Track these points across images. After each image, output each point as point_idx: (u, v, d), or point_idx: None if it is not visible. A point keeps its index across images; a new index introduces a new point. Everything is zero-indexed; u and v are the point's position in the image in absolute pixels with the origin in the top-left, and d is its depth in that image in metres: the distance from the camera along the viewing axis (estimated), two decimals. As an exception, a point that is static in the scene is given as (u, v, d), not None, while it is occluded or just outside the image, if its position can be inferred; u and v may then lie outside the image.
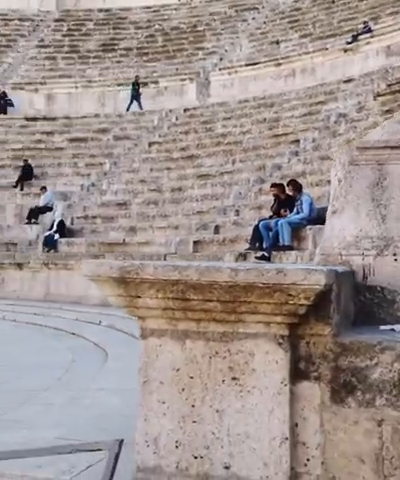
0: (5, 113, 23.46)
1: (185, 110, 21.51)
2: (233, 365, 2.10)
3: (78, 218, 16.65)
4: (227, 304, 2.05)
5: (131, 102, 22.50)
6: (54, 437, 3.52)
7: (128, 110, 22.41)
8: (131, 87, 22.60)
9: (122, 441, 1.90)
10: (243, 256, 10.39)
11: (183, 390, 2.12)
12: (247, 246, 11.03)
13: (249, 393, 2.09)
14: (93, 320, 10.85)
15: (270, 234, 10.41)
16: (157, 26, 28.01)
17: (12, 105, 23.68)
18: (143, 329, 2.15)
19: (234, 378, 2.10)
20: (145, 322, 2.13)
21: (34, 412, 4.41)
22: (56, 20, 29.30)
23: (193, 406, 2.12)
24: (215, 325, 2.11)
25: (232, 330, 2.12)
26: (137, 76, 22.86)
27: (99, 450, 1.83)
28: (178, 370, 2.13)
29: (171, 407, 2.14)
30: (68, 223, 16.26)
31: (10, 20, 28.80)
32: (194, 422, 2.11)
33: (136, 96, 22.46)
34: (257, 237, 10.66)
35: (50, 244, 15.22)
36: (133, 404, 4.56)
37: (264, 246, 10.48)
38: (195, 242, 12.91)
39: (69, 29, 28.48)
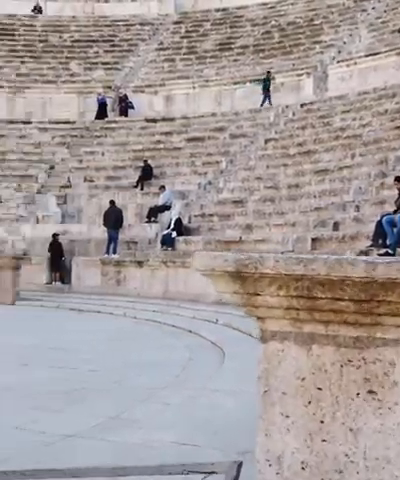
0: (126, 115, 24.19)
1: (302, 105, 21.01)
2: (369, 376, 1.79)
3: (195, 216, 16.77)
4: (362, 304, 1.74)
5: (266, 97, 22.19)
6: (170, 441, 3.39)
7: (262, 105, 22.13)
8: (263, 83, 22.33)
9: (241, 464, 1.66)
10: (365, 254, 9.83)
11: (310, 403, 1.84)
12: (369, 243, 10.47)
13: (390, 410, 1.77)
14: (210, 318, 10.81)
15: (394, 230, 9.79)
16: (273, 22, 27.65)
17: (132, 107, 24.37)
18: (263, 331, 1.89)
19: (371, 391, 1.78)
20: (265, 323, 1.87)
21: (152, 411, 4.33)
22: (175, 23, 29.81)
23: (322, 422, 1.83)
24: (347, 328, 1.81)
25: (368, 335, 1.80)
26: (269, 72, 22.54)
27: (214, 473, 1.60)
28: (303, 379, 1.85)
29: (296, 422, 1.86)
30: (185, 221, 16.42)
31: (131, 25, 29.70)
32: (323, 441, 1.82)
33: (267, 91, 22.14)
34: (380, 233, 10.08)
35: (168, 242, 15.42)
36: (249, 408, 4.35)
37: (387, 243, 9.87)
38: (313, 239, 12.48)
39: (187, 31, 28.86)
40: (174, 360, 7.15)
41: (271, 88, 22.24)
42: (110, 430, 3.76)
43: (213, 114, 22.74)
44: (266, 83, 22.22)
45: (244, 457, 3.15)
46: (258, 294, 1.79)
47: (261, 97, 22.27)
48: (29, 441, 3.53)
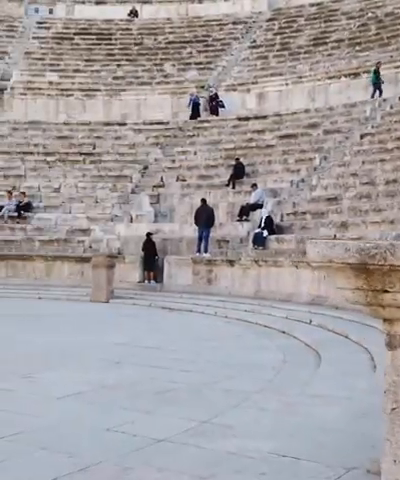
0: (217, 114, 24.09)
1: (400, 98, 20.04)
2: None
3: (288, 214, 16.36)
4: None
5: (375, 90, 21.38)
6: (267, 451, 3.12)
7: (373, 97, 21.31)
8: (373, 75, 21.51)
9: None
10: None
11: None
12: None
13: None
14: (303, 319, 10.47)
15: None
16: (370, 14, 26.65)
17: (223, 106, 24.23)
18: (391, 336, 1.56)
19: None
20: (394, 326, 1.55)
21: (246, 417, 4.08)
22: (268, 20, 29.43)
23: None
24: None
25: None
26: (378, 62, 21.68)
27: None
28: None
29: (432, 448, 1.54)
30: (278, 220, 16.05)
31: (224, 24, 29.63)
32: None
33: (377, 83, 21.28)
34: None
35: (259, 241, 15.11)
36: (353, 417, 4.00)
37: None
38: (415, 238, 11.76)
39: (280, 27, 28.39)
40: (267, 362, 6.89)
41: (382, 80, 21.27)
42: (202, 436, 3.55)
43: (306, 110, 22.18)
44: (375, 75, 21.30)
45: (351, 474, 2.83)
46: (387, 291, 1.46)
47: (370, 90, 21.39)
48: (119, 445, 3.39)
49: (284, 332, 9.52)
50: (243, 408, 4.41)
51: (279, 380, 5.81)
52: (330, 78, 23.59)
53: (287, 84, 24.45)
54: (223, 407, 4.40)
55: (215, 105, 24.13)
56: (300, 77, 24.38)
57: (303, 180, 18.11)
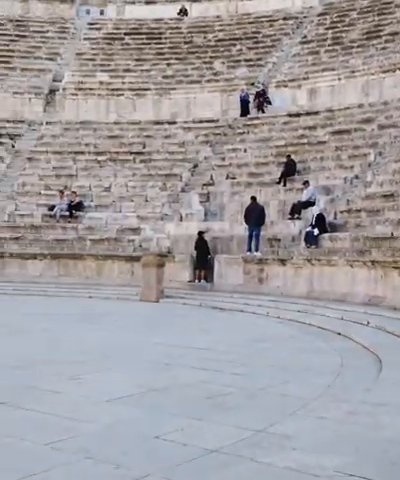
0: (263, 111, 23.67)
1: None
2: None
3: (341, 212, 15.85)
4: None
5: None
6: (333, 469, 2.81)
7: None
8: None
9: None
10: None
11: None
12: None
13: None
14: (359, 320, 10.05)
15: None
16: (426, 6, 25.72)
17: (270, 103, 23.78)
18: None
19: None
20: None
21: (305, 427, 3.78)
22: (319, 14, 28.81)
23: None
24: None
25: None
26: None
27: None
28: None
29: None
30: (331, 218, 15.57)
31: (275, 21, 29.18)
32: None
33: None
34: None
35: (311, 240, 14.69)
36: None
37: None
38: None
39: (332, 21, 27.73)
40: (324, 366, 6.56)
41: None
42: (258, 447, 3.28)
43: (360, 105, 21.55)
44: None
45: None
46: None
47: None
48: (168, 455, 3.16)
49: (340, 334, 9.13)
50: (301, 416, 4.11)
51: (338, 386, 5.47)
52: (384, 72, 22.84)
53: (339, 79, 23.81)
54: (279, 415, 4.11)
55: (262, 101, 23.69)
56: (353, 72, 23.70)
57: (357, 177, 17.55)
